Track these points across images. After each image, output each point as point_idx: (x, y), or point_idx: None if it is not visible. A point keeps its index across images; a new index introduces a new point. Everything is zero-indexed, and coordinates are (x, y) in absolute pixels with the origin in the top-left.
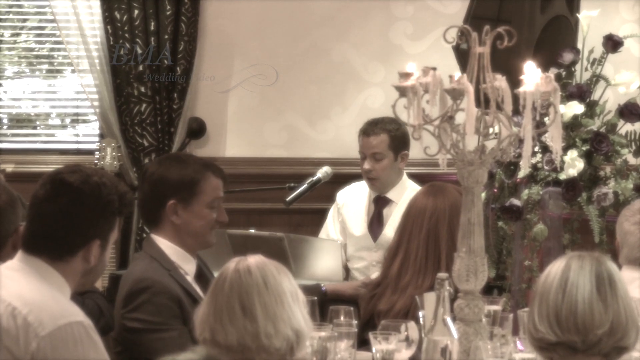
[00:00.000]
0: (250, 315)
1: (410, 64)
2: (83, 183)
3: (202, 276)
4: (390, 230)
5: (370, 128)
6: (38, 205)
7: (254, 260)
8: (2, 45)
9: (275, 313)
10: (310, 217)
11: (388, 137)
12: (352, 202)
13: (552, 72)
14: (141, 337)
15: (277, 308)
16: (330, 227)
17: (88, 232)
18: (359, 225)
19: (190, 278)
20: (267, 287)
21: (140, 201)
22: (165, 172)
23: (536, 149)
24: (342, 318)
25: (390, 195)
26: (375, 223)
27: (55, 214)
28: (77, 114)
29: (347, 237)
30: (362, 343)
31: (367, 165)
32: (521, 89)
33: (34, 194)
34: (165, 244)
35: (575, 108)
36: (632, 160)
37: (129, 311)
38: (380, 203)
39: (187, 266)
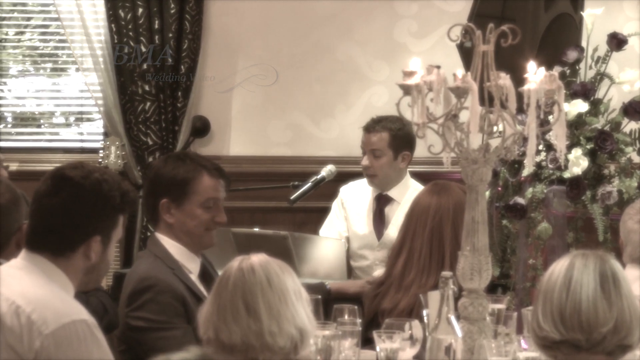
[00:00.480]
0: (254, 314)
1: (413, 59)
2: (83, 178)
3: (206, 275)
4: (393, 229)
5: (373, 125)
6: (39, 200)
7: (258, 259)
8: (6, 44)
9: (279, 312)
10: (314, 215)
11: (389, 135)
12: (355, 199)
13: (556, 70)
14: (145, 335)
15: (280, 307)
16: (335, 220)
17: (88, 228)
18: (362, 223)
19: (194, 277)
20: (270, 285)
21: (142, 198)
22: (160, 170)
23: (540, 147)
24: (346, 317)
25: (391, 193)
26: (377, 221)
27: (55, 209)
28: (81, 113)
29: (349, 234)
30: (366, 342)
31: (365, 161)
32: (525, 87)
33: (36, 190)
34: (169, 243)
35: (579, 106)
36: (636, 158)
37: (132, 310)
38: (381, 201)
39: (191, 265)
